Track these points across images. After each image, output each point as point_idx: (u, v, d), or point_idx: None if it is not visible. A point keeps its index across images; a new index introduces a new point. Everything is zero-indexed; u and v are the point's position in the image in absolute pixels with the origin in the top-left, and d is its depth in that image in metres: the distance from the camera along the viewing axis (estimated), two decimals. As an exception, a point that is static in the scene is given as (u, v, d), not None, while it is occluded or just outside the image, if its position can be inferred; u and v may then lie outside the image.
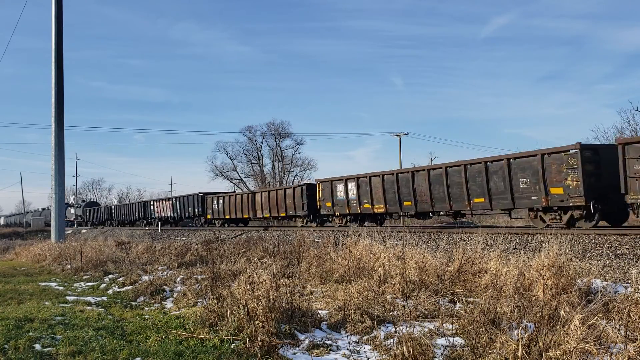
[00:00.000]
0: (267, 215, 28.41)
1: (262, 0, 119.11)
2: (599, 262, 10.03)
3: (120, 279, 12.09)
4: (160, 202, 44.37)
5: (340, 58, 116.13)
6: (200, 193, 36.87)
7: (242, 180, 68.63)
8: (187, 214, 38.56)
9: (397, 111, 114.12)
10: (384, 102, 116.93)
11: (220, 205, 33.34)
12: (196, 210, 36.84)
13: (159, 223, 41.99)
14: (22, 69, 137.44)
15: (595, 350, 4.70)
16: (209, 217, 35.01)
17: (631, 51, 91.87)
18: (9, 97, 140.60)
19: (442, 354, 5.30)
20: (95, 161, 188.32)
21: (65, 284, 12.27)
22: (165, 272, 12.65)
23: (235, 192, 32.94)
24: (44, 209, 72.18)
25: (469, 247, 10.21)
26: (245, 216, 30.88)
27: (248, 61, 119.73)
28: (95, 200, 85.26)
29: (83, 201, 74.16)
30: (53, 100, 25.58)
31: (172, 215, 41.11)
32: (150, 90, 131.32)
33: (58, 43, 25.91)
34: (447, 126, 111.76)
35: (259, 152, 70.15)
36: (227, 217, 32.56)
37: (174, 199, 41.68)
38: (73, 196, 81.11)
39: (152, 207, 45.33)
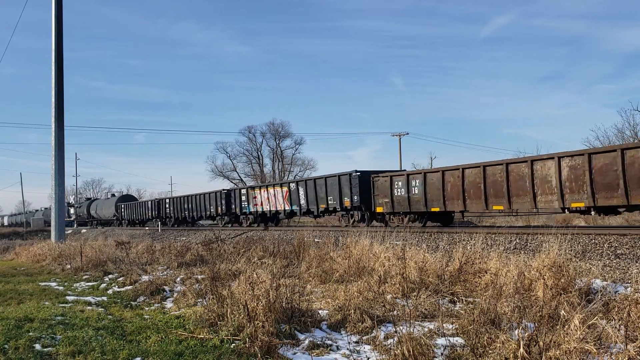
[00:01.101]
0: (580, 205, 14.04)
1: (262, 0, 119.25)
2: (599, 262, 10.03)
3: (120, 278, 12.09)
4: (264, 190, 29.55)
5: (340, 58, 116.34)
6: (356, 172, 22.77)
7: (242, 180, 68.68)
8: (324, 205, 24.25)
9: (397, 111, 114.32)
10: (384, 102, 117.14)
11: (415, 190, 19.59)
12: (347, 198, 22.83)
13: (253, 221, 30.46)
14: (22, 69, 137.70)
15: (595, 350, 4.70)
16: (380, 209, 21.42)
17: (631, 51, 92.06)
18: (9, 97, 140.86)
19: (442, 354, 5.29)
20: (95, 161, 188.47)
21: (65, 284, 12.26)
22: (165, 272, 12.65)
23: (448, 166, 18.77)
24: (46, 208, 71.81)
25: (469, 247, 10.21)
26: (500, 208, 16.52)
27: (248, 61, 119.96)
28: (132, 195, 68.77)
29: (113, 195, 60.98)
30: (53, 100, 25.58)
31: (287, 208, 27.05)
32: (150, 90, 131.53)
33: (58, 43, 25.90)
34: (447, 126, 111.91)
35: (259, 152, 70.28)
36: (430, 209, 19.03)
37: (293, 184, 26.86)
38: (73, 196, 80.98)
39: (241, 197, 31.82)
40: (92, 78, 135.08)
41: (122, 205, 50.18)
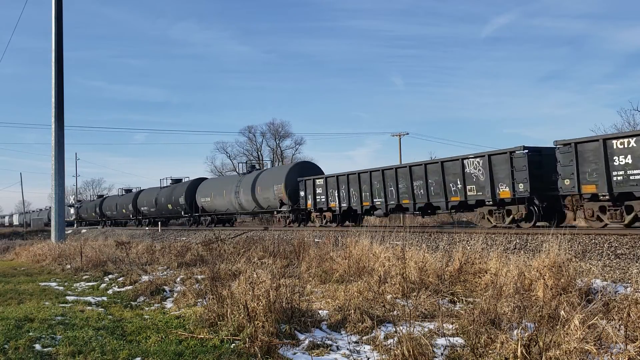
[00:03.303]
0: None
1: (262, 0, 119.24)
2: (599, 262, 10.03)
3: (120, 279, 12.09)
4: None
5: (340, 58, 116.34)
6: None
7: (242, 180, 68.47)
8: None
9: (397, 111, 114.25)
10: (384, 102, 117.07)
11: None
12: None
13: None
14: (22, 69, 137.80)
15: (595, 350, 4.70)
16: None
17: (631, 51, 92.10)
18: (9, 97, 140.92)
19: (442, 354, 5.30)
20: (95, 161, 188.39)
21: (65, 284, 12.26)
22: (165, 272, 12.65)
23: None
24: (41, 209, 71.62)
25: (469, 247, 10.21)
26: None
27: (248, 61, 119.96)
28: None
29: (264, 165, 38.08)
30: (53, 100, 25.57)
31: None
32: (150, 90, 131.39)
33: (58, 43, 25.89)
34: (447, 126, 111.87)
35: (259, 152, 70.20)
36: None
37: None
38: (73, 196, 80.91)
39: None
40: (92, 78, 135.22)
41: (318, 183, 23.68)
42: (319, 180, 23.62)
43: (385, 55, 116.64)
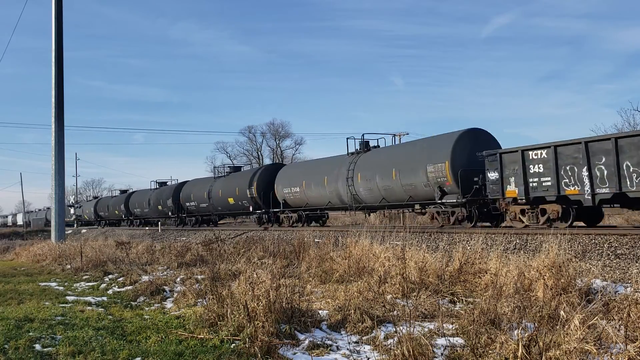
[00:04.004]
0: None
1: (262, 0, 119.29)
2: (599, 262, 10.02)
3: (120, 279, 12.09)
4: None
5: (340, 58, 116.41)
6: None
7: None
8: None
9: (397, 111, 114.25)
10: (384, 102, 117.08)
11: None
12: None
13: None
14: (22, 69, 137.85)
15: (595, 350, 4.70)
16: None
17: (631, 51, 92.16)
18: (9, 97, 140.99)
19: (442, 354, 5.30)
20: (95, 161, 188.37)
21: (65, 284, 12.26)
22: (165, 272, 12.65)
23: None
24: (48, 208, 71.31)
25: (469, 247, 10.21)
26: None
27: (248, 61, 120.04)
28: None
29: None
30: (53, 100, 25.56)
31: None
32: (150, 90, 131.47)
33: (58, 43, 25.89)
34: (447, 126, 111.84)
35: (259, 152, 70.22)
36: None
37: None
38: (73, 196, 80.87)
39: None
40: (92, 78, 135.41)
41: (535, 157, 14.56)
42: (537, 152, 14.41)
43: (385, 55, 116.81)
